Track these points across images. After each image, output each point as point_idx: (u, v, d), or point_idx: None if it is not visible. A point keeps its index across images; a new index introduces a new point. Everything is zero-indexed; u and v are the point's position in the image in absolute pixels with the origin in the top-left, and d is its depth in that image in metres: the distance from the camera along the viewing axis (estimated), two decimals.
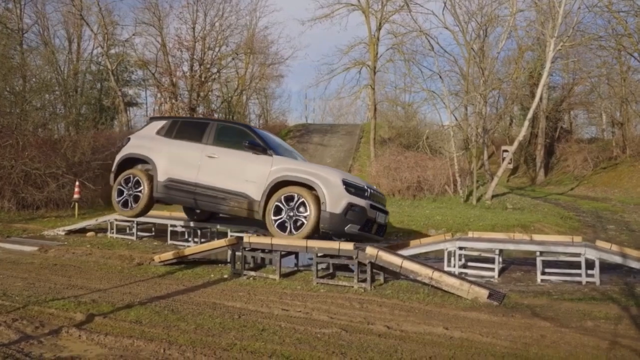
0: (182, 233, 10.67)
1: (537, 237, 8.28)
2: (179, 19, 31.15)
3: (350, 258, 6.89)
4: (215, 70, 32.68)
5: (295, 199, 7.46)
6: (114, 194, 8.86)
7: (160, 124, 9.11)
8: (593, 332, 5.10)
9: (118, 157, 9.12)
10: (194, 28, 30.67)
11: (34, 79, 19.15)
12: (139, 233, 10.99)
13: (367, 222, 7.61)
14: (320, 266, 7.46)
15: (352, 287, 6.82)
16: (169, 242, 10.42)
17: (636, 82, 24.00)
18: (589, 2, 18.23)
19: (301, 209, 7.42)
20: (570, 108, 30.69)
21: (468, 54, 18.85)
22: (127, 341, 4.87)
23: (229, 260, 8.25)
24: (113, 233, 11.06)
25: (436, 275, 6.37)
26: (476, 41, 19.46)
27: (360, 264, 6.85)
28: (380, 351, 4.64)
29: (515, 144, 17.86)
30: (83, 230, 11.75)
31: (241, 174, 7.92)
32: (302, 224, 7.38)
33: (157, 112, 31.26)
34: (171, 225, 10.47)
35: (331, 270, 7.65)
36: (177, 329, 5.24)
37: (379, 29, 24.03)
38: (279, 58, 35.97)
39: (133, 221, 10.87)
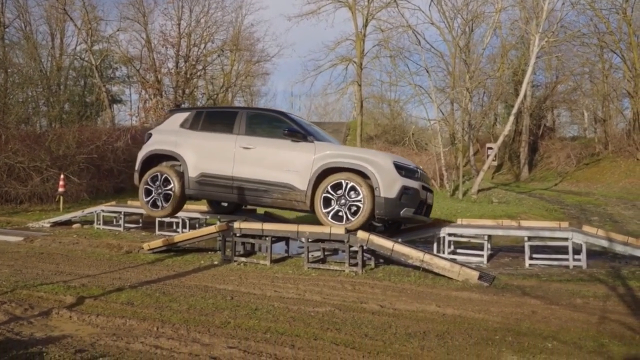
0: (171, 224, 10.59)
1: (525, 223, 8.38)
2: (164, 15, 30.90)
3: (342, 242, 6.90)
4: (200, 67, 32.50)
5: (346, 186, 7.02)
6: (142, 194, 8.32)
7: (182, 116, 8.56)
8: (583, 309, 5.18)
9: (141, 155, 8.56)
10: (179, 24, 30.45)
11: (16, 74, 18.88)
12: (126, 224, 10.87)
13: (420, 204, 7.39)
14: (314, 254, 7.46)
15: (344, 271, 6.84)
16: (157, 232, 10.33)
17: (618, 79, 24.39)
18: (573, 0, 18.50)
19: (353, 196, 6.98)
20: (554, 106, 31.08)
21: (454, 49, 19.01)
22: (120, 321, 4.83)
23: (218, 248, 8.21)
24: (100, 224, 10.93)
25: (427, 257, 6.42)
26: (462, 37, 19.62)
27: (351, 248, 6.86)
28: (374, 327, 4.66)
29: (501, 138, 18.05)
30: (69, 223, 11.60)
31: (282, 163, 7.45)
32: (356, 211, 6.96)
33: (141, 109, 30.99)
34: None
35: (322, 256, 7.64)
36: (170, 309, 5.20)
37: (365, 25, 24.14)
38: (265, 56, 35.85)
39: (120, 212, 10.77)
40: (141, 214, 11.09)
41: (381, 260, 7.45)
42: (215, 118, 8.42)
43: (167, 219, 10.43)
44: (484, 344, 4.25)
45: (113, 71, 32.71)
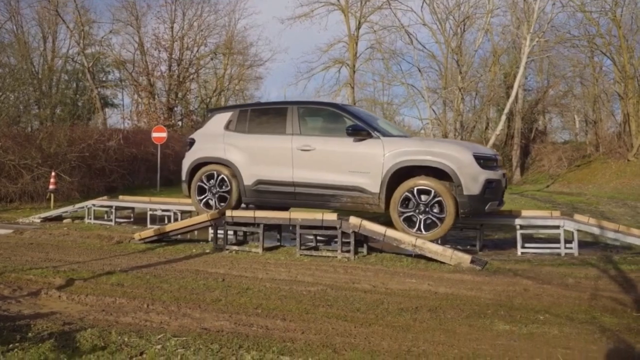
0: (163, 218, 10.50)
1: (517, 213, 8.38)
2: (157, 18, 30.92)
3: (334, 228, 6.88)
4: (193, 70, 32.51)
5: (424, 188, 6.49)
6: (199, 204, 7.92)
7: (225, 116, 7.93)
8: (574, 287, 5.19)
9: (188, 164, 8.02)
10: (172, 27, 30.51)
11: (7, 74, 18.78)
12: (117, 219, 10.77)
13: (502, 194, 7.05)
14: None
15: (336, 257, 6.81)
16: (149, 226, 10.24)
17: (608, 82, 24.62)
18: (563, 1, 18.69)
19: (434, 200, 6.47)
20: (545, 110, 31.30)
21: (447, 48, 19.14)
22: (109, 299, 4.79)
23: (210, 239, 8.15)
24: (91, 219, 10.82)
25: (419, 242, 6.40)
26: (453, 38, 19.76)
27: (344, 234, 6.84)
28: (366, 303, 4.65)
29: (493, 138, 18.14)
30: (59, 218, 11.48)
31: (348, 165, 6.86)
32: (440, 216, 6.46)
33: (134, 112, 30.91)
34: (151, 210, 10.31)
35: (314, 244, 7.62)
36: (160, 289, 5.17)
37: (358, 28, 24.26)
38: (258, 60, 35.91)
39: (112, 206, 10.68)
40: (133, 209, 11.01)
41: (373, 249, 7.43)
42: (262, 117, 7.80)
43: (159, 213, 10.36)
44: (476, 316, 4.24)
45: (105, 74, 32.66)
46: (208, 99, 35.62)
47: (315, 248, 7.41)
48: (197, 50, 32.08)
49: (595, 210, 15.33)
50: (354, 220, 6.76)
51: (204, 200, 7.89)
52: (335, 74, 26.23)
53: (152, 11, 42.77)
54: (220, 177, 7.74)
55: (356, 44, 24.38)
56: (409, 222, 6.64)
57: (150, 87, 30.05)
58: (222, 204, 7.75)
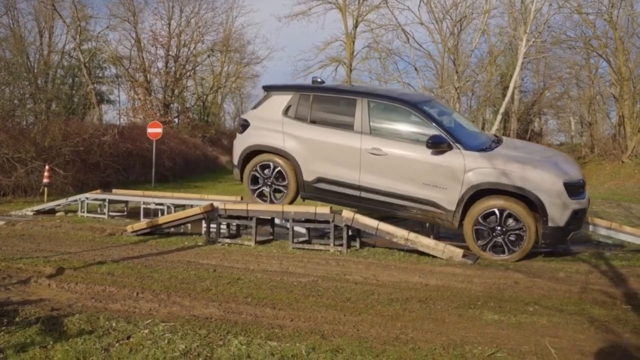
0: (156, 212, 10.47)
1: None
2: (154, 14, 30.87)
3: (327, 222, 6.87)
4: (190, 67, 32.47)
5: (502, 215, 6.08)
6: (253, 195, 7.45)
7: (284, 99, 7.18)
8: (565, 281, 5.20)
9: (241, 150, 7.35)
10: (169, 24, 30.50)
11: (2, 68, 18.72)
12: (110, 213, 10.73)
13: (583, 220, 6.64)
14: None
15: (329, 250, 6.80)
16: (142, 220, 10.20)
17: (604, 84, 24.69)
18: (560, 2, 18.73)
19: (511, 223, 6.07)
20: (541, 112, 31.40)
21: (443, 48, 19.17)
22: (99, 288, 4.78)
23: (203, 232, 8.13)
24: (84, 212, 10.78)
25: (412, 236, 6.41)
26: (450, 38, 19.79)
27: (336, 227, 6.84)
28: (357, 294, 4.65)
29: None
30: (52, 212, 11.43)
31: (424, 177, 6.32)
32: (517, 242, 6.08)
33: (130, 109, 30.82)
34: (144, 203, 10.27)
35: (307, 238, 7.60)
36: (151, 279, 5.16)
37: (355, 26, 24.25)
38: (255, 58, 35.95)
39: (105, 199, 10.64)
40: (126, 202, 10.97)
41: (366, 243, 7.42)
42: (327, 105, 7.13)
43: (153, 207, 10.33)
44: (466, 307, 4.25)
45: (102, 70, 32.54)
46: (204, 97, 35.63)
47: (308, 241, 7.38)
48: (194, 48, 32.11)
49: (589, 210, 15.39)
50: (346, 214, 6.76)
51: (259, 190, 7.40)
52: (332, 72, 26.26)
53: (149, 7, 42.77)
54: (277, 169, 7.18)
55: (353, 42, 24.39)
56: (495, 247, 6.25)
57: (147, 84, 30.01)
58: (278, 196, 7.39)
